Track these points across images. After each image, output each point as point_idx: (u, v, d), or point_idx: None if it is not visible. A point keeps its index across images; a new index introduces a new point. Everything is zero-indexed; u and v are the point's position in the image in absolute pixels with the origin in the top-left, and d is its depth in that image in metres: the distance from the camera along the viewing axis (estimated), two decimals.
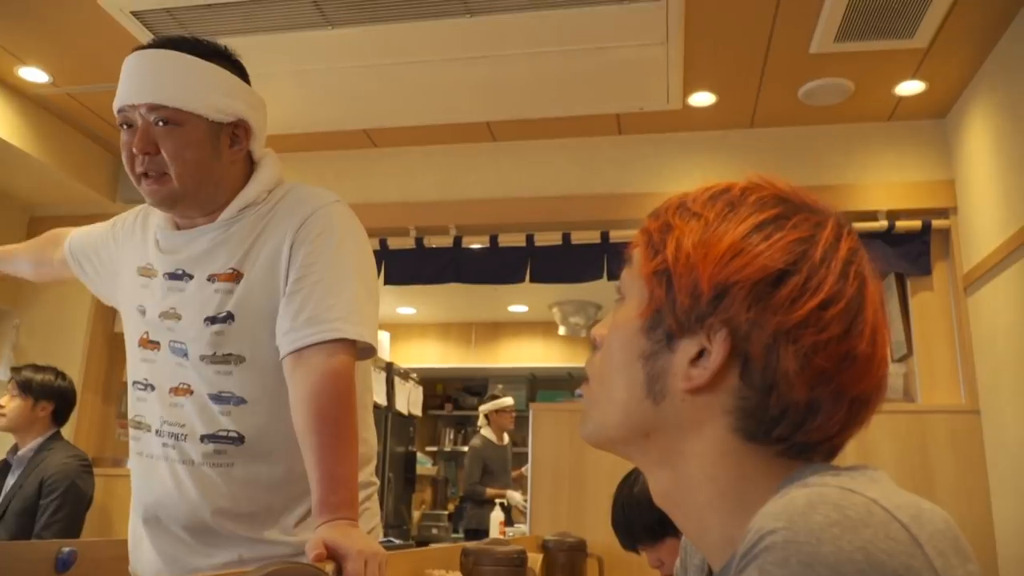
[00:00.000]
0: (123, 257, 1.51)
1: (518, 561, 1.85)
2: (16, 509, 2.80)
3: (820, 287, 0.63)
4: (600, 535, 2.67)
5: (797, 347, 0.62)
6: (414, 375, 6.32)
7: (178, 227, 1.44)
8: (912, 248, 3.49)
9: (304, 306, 1.29)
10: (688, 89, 3.38)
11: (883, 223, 3.49)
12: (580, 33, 2.96)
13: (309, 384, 1.24)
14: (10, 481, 2.89)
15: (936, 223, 3.48)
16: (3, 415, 2.90)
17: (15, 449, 2.97)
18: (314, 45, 3.05)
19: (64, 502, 2.83)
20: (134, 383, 1.43)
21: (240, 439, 1.34)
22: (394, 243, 3.88)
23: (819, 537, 0.50)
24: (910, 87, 3.31)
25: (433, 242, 3.89)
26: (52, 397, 2.96)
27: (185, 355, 1.36)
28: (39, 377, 2.96)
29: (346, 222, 1.40)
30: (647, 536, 1.87)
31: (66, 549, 1.81)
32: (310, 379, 1.24)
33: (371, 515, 1.50)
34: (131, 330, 1.45)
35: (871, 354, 0.64)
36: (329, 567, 1.09)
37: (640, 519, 1.86)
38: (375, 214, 3.85)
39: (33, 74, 3.35)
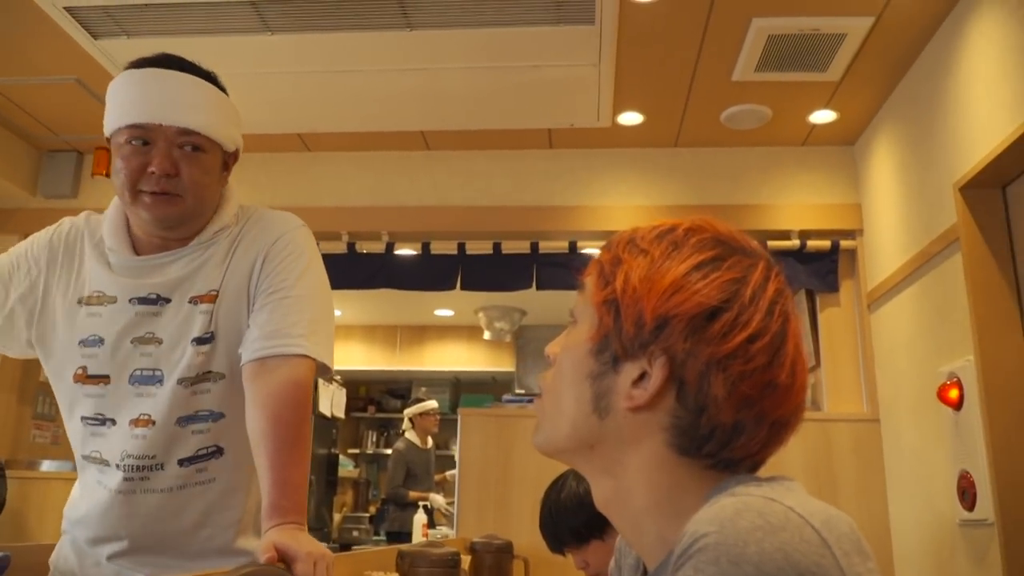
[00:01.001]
0: (50, 289, 1.43)
1: (452, 563, 1.92)
2: None
3: (749, 323, 0.71)
4: (526, 537, 2.76)
5: (726, 375, 0.71)
6: (338, 377, 6.30)
7: (136, 252, 1.41)
8: (821, 266, 3.71)
9: (271, 319, 1.34)
10: (617, 108, 3.52)
11: (795, 242, 3.70)
12: (516, 51, 3.06)
13: (269, 391, 1.28)
14: None
15: (844, 243, 3.71)
16: None
17: None
18: (252, 49, 3.06)
19: None
20: (83, 418, 1.39)
21: (220, 451, 1.38)
22: (326, 247, 3.89)
23: (745, 539, 0.59)
24: (822, 116, 3.52)
25: (365, 247, 3.92)
26: None
27: (157, 382, 1.35)
28: None
29: (312, 247, 1.48)
30: (573, 539, 1.97)
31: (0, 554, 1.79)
32: (270, 386, 1.28)
33: None
34: (63, 364, 1.40)
35: (791, 383, 0.73)
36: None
37: (567, 523, 1.96)
38: (307, 218, 3.81)
39: None
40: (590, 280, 0.81)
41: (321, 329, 1.38)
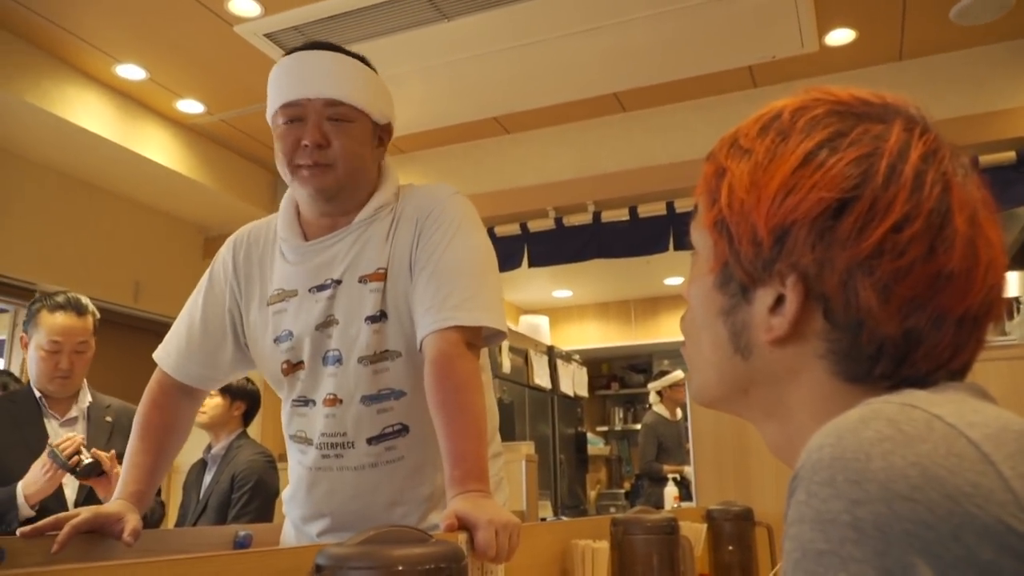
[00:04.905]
0: (240, 300, 1.52)
1: (669, 529, 1.81)
2: (214, 504, 3.07)
3: (890, 208, 0.57)
4: (768, 503, 2.57)
5: (874, 279, 0.56)
6: (576, 356, 6.35)
7: (306, 237, 1.47)
8: None
9: (423, 296, 1.37)
10: (823, 28, 3.19)
11: None
12: None
13: (428, 372, 1.32)
14: (207, 478, 3.17)
15: None
16: (204, 412, 3.15)
17: (209, 448, 3.24)
18: (434, 40, 3.12)
19: (254, 495, 3.06)
20: (293, 401, 1.49)
21: (406, 429, 1.42)
22: (534, 226, 3.91)
23: (868, 453, 0.46)
24: None
25: (572, 220, 3.89)
26: (245, 398, 3.20)
27: (339, 362, 1.42)
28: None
29: (464, 213, 1.46)
30: None
31: (242, 533, 1.96)
32: (429, 367, 1.32)
33: (502, 486, 1.54)
34: (270, 361, 1.48)
35: (970, 266, 0.57)
36: (461, 538, 1.11)
37: None
38: (513, 199, 3.90)
39: (189, 106, 3.64)
40: (700, 200, 0.69)
41: (478, 295, 1.37)
